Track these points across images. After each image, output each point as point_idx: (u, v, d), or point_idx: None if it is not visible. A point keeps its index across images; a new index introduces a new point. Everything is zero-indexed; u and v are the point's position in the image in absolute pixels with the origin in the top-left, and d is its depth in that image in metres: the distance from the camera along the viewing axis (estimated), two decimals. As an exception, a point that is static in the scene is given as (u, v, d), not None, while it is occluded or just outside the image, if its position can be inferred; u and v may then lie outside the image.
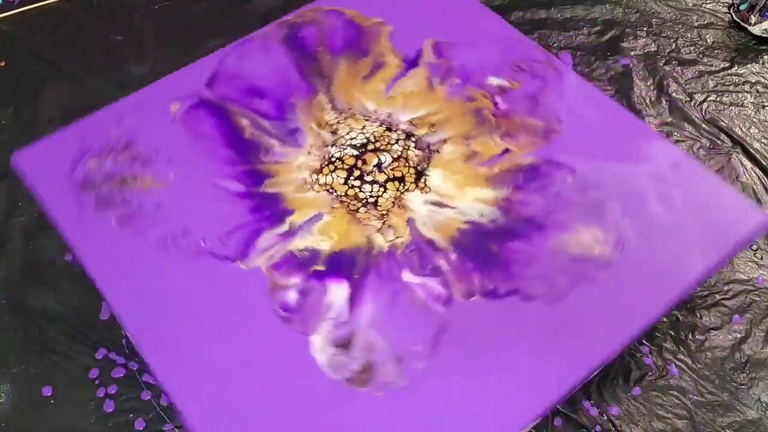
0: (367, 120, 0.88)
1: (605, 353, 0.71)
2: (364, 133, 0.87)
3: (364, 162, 0.85)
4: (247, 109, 0.89)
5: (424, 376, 0.69)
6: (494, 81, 0.92)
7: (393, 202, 0.82)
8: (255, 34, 0.97)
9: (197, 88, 0.91)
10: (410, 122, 0.88)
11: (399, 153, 0.85)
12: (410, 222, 0.80)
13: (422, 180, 0.83)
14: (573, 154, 0.85)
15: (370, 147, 0.86)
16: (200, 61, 0.95)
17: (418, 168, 0.84)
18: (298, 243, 0.78)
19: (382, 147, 0.86)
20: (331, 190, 0.82)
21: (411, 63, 0.94)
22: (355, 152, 0.85)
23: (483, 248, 0.77)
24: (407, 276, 0.75)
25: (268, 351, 0.71)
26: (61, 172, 0.84)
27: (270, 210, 0.81)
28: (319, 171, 0.84)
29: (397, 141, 0.87)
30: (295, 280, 0.75)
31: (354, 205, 0.81)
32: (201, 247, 0.78)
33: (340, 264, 0.76)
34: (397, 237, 0.79)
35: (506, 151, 0.86)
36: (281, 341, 0.72)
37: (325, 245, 0.78)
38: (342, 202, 0.81)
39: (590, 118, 0.88)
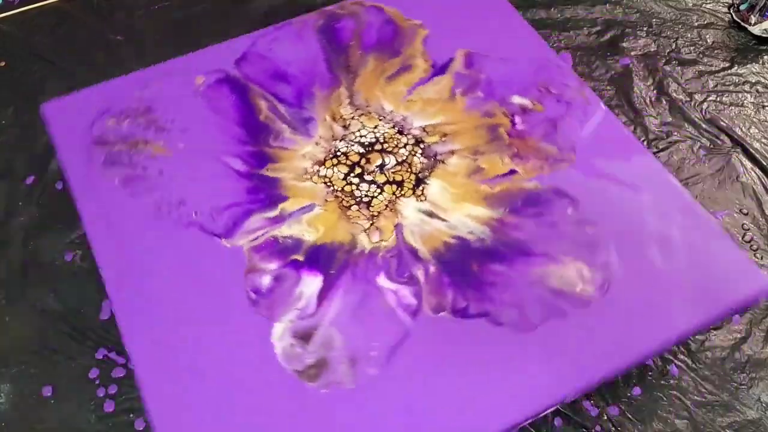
0: (381, 120, 0.89)
1: (560, 395, 0.69)
2: (374, 133, 0.87)
3: (368, 161, 0.85)
4: (267, 92, 0.91)
5: (373, 382, 0.69)
6: (517, 100, 0.91)
7: (386, 205, 0.82)
8: (295, 19, 0.99)
9: (225, 65, 0.93)
10: (423, 129, 0.88)
11: (404, 157, 0.85)
12: (398, 227, 0.80)
13: (420, 188, 0.83)
14: (580, 186, 0.83)
15: (378, 147, 0.86)
16: (233, 40, 0.97)
17: (420, 175, 0.84)
18: (284, 230, 0.79)
19: (389, 149, 0.86)
20: (329, 184, 0.83)
21: (439, 70, 0.94)
22: (362, 150, 0.86)
23: (463, 265, 0.77)
24: (382, 280, 0.76)
25: (231, 330, 0.73)
26: (80, 127, 0.88)
27: (265, 193, 0.82)
28: (322, 163, 0.85)
29: (405, 145, 0.87)
30: (272, 265, 0.76)
31: (347, 201, 0.82)
32: (192, 219, 0.80)
33: (320, 257, 0.77)
34: (382, 240, 0.79)
35: (512, 172, 0.84)
36: (246, 323, 0.73)
37: (310, 236, 0.79)
38: (336, 197, 0.82)
39: (608, 151, 0.86)
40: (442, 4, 1.00)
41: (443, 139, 0.87)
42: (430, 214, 0.81)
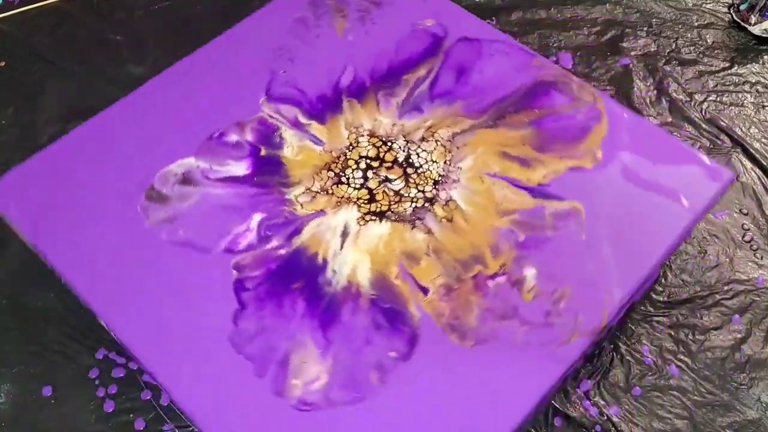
0: (446, 164, 0.83)
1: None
2: (426, 159, 0.84)
3: (385, 166, 0.82)
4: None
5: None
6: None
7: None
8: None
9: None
10: (447, 202, 0.80)
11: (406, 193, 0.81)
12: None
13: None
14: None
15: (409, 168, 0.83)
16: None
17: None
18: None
19: (398, 163, 0.83)
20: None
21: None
22: (376, 163, 0.82)
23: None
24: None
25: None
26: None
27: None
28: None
29: (415, 171, 0.82)
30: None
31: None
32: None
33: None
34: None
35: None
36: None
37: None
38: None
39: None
40: None
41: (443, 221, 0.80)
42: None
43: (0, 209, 0.79)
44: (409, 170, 0.82)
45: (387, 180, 0.81)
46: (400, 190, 0.81)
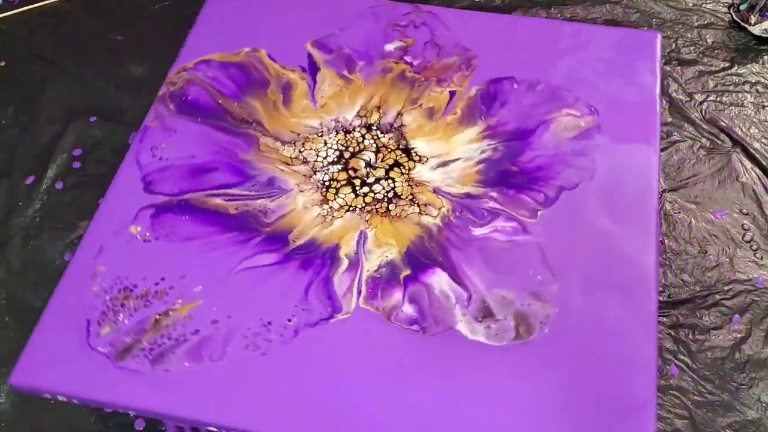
0: (320, 136, 0.87)
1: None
2: (330, 147, 0.86)
3: (354, 169, 0.84)
4: (211, 192, 0.82)
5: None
6: (391, 47, 0.94)
7: (409, 185, 0.82)
8: (148, 120, 0.89)
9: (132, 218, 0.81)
10: (358, 116, 0.89)
11: (375, 146, 0.86)
12: (437, 191, 0.81)
13: (413, 154, 0.85)
14: (501, 70, 0.90)
15: (347, 155, 0.85)
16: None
17: (401, 147, 0.85)
18: (370, 267, 0.75)
19: (356, 149, 0.86)
20: (352, 209, 0.81)
21: (311, 70, 0.93)
22: (339, 166, 0.84)
23: (506, 170, 0.82)
24: (477, 231, 0.77)
25: None
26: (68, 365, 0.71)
27: (317, 257, 0.76)
28: (325, 200, 0.81)
29: (363, 138, 0.87)
30: (397, 296, 0.73)
31: (381, 206, 0.81)
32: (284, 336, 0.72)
33: (419, 258, 0.76)
34: (440, 208, 0.79)
35: (452, 93, 0.89)
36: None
37: (393, 252, 0.77)
38: (369, 211, 0.80)
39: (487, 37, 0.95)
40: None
41: (381, 111, 0.89)
42: (444, 164, 0.84)
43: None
44: (346, 155, 0.86)
45: (368, 164, 0.85)
46: (374, 151, 0.86)
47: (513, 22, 0.99)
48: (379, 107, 0.89)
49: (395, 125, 0.87)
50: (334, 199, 0.81)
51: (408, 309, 0.73)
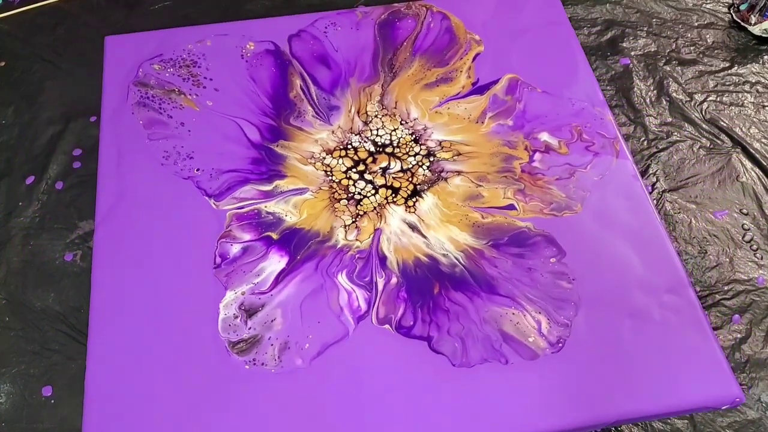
0: (402, 124, 0.89)
1: None
2: (391, 135, 0.87)
3: (374, 161, 0.85)
4: (306, 72, 0.93)
5: (295, 372, 0.71)
6: (545, 137, 0.89)
7: (375, 208, 0.82)
8: (360, 8, 1.00)
9: (279, 38, 0.97)
10: (439, 143, 0.88)
11: (410, 166, 0.85)
12: (377, 232, 0.80)
13: (414, 200, 0.83)
14: (574, 239, 0.80)
15: (389, 149, 0.86)
16: (297, 16, 0.99)
17: (418, 187, 0.84)
18: (270, 205, 0.81)
19: (399, 154, 0.86)
20: (329, 173, 0.84)
21: (478, 89, 0.93)
22: (373, 149, 0.86)
23: (426, 285, 0.77)
24: (342, 278, 0.77)
25: (187, 286, 0.76)
26: (129, 65, 0.95)
27: (267, 167, 0.85)
28: (330, 152, 0.86)
29: (415, 155, 0.87)
30: (247, 236, 0.79)
31: (339, 194, 0.82)
32: (192, 174, 0.83)
33: (292, 240, 0.79)
34: (357, 240, 0.79)
35: (510, 207, 0.83)
36: (203, 283, 0.76)
37: (291, 218, 0.80)
38: (331, 187, 0.83)
39: (615, 210, 0.83)
40: (509, 26, 1.00)
41: (456, 158, 0.87)
42: (413, 228, 0.81)
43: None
44: (389, 149, 0.87)
45: (385, 169, 0.85)
46: (402, 168, 0.86)
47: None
48: (460, 155, 0.88)
49: (444, 174, 0.86)
50: (333, 158, 0.87)
51: (234, 249, 0.78)
